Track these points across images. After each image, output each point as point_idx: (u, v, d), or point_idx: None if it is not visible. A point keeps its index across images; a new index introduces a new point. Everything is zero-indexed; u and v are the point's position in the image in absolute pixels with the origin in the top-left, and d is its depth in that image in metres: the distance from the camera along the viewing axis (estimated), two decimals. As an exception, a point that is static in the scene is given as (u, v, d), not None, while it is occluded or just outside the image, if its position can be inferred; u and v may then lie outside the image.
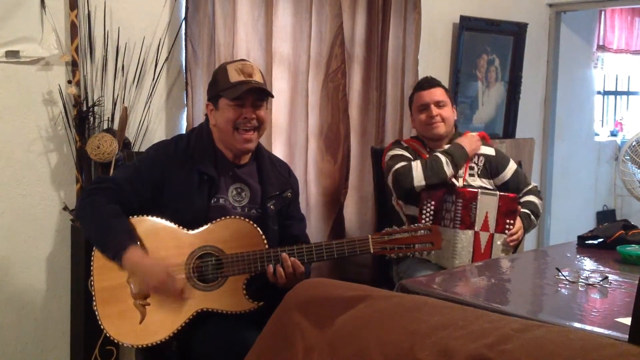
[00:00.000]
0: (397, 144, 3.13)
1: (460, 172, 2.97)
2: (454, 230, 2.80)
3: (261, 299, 2.20)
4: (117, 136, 2.70)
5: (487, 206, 2.82)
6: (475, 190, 2.84)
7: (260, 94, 2.33)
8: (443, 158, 2.87)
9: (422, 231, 2.29)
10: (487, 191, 2.89)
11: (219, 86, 2.31)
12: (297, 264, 2.21)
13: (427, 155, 2.99)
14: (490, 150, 3.10)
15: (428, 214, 2.84)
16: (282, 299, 1.63)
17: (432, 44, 4.09)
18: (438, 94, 3.04)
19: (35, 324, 2.76)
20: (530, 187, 3.12)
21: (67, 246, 2.78)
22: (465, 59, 4.25)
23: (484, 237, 2.82)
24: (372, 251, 2.27)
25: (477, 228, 2.80)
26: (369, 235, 2.28)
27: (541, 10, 4.88)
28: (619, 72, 6.22)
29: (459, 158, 2.90)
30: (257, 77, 2.32)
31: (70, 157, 2.75)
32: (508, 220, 2.84)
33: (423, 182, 2.83)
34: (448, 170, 2.86)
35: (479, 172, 3.05)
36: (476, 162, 3.05)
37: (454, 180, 2.94)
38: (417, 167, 2.86)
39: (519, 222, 2.88)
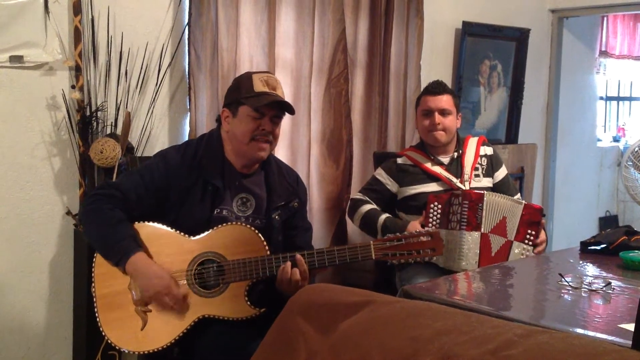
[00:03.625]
0: (387, 163, 3.12)
1: (467, 176, 2.99)
2: (460, 232, 2.80)
3: (263, 305, 2.19)
4: (120, 141, 2.70)
5: (506, 211, 2.83)
6: (481, 192, 2.85)
7: (281, 110, 2.32)
8: (380, 223, 2.95)
9: (424, 237, 2.29)
10: (503, 195, 2.89)
11: (242, 93, 2.28)
12: (306, 272, 2.20)
13: (429, 165, 3.00)
14: (489, 150, 3.15)
15: (435, 217, 2.85)
16: (284, 305, 1.63)
17: (434, 49, 4.10)
18: (444, 101, 3.02)
19: (38, 328, 2.76)
20: (517, 198, 3.10)
21: (69, 251, 2.78)
22: (467, 64, 4.26)
23: (496, 240, 2.81)
24: (373, 257, 2.26)
25: (484, 229, 2.81)
26: (371, 242, 2.28)
27: (543, 16, 4.89)
28: (621, 78, 6.23)
29: (392, 230, 2.76)
30: (280, 92, 2.31)
31: (73, 162, 2.75)
32: (529, 231, 2.83)
33: (357, 224, 3.09)
34: (379, 234, 2.94)
35: (483, 172, 3.08)
36: (480, 162, 3.08)
37: (459, 184, 2.95)
38: (362, 210, 3.05)
39: (543, 234, 2.88)
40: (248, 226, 2.25)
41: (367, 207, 3.03)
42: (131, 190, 2.24)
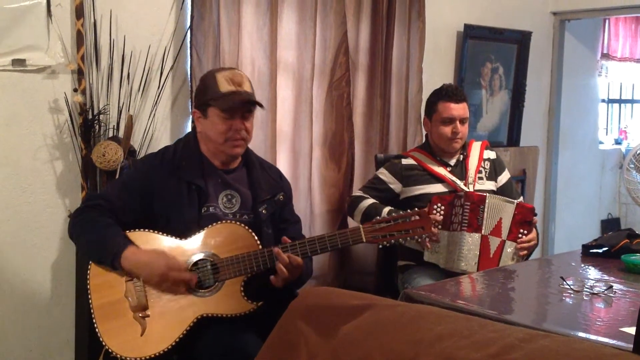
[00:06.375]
0: (391, 164, 3.12)
1: (471, 178, 2.99)
2: (460, 232, 2.81)
3: (260, 299, 2.20)
4: (122, 144, 2.71)
5: (502, 212, 2.83)
6: (484, 194, 2.85)
7: (250, 105, 2.33)
8: (384, 215, 2.89)
9: (413, 216, 2.29)
10: (499, 197, 2.90)
11: (208, 94, 2.29)
12: (292, 257, 2.22)
13: (434, 167, 3.02)
14: (492, 154, 3.16)
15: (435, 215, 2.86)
16: (281, 298, 1.63)
17: (436, 52, 4.10)
18: (464, 109, 3.03)
19: (40, 331, 2.76)
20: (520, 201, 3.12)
21: (72, 254, 2.78)
22: (469, 67, 4.26)
23: (493, 242, 2.82)
24: (364, 240, 2.26)
25: (484, 232, 2.81)
26: (361, 225, 2.29)
27: (545, 19, 4.89)
28: (623, 80, 6.22)
29: None
30: (247, 87, 2.31)
31: (75, 165, 2.76)
32: (522, 230, 2.84)
33: (357, 220, 3.00)
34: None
35: (486, 175, 3.08)
36: (484, 166, 3.09)
37: (463, 187, 2.96)
38: (364, 204, 3.00)
39: (533, 233, 2.88)
40: (238, 223, 2.26)
41: (368, 202, 3.01)
42: (116, 197, 2.27)
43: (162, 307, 2.17)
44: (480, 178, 3.05)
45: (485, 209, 2.81)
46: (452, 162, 3.07)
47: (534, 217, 2.89)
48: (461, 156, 3.08)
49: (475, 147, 3.13)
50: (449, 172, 3.03)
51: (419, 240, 2.40)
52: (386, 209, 2.92)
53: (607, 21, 5.72)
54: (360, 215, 3.01)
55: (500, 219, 2.83)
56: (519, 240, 2.83)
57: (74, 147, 2.75)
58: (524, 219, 2.85)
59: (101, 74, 2.79)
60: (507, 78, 4.54)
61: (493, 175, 3.11)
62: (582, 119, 5.61)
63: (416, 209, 2.33)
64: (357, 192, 3.15)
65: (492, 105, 4.49)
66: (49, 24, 2.65)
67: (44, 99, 2.68)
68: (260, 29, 3.14)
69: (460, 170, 3.05)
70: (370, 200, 3.02)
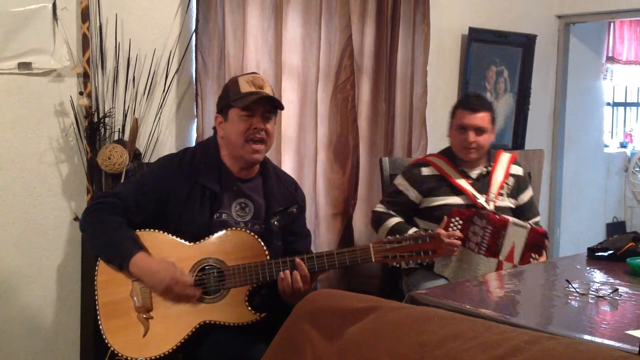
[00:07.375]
0: (410, 173, 3.04)
1: (492, 195, 2.94)
2: (478, 255, 2.78)
3: (264, 310, 2.20)
4: (128, 147, 2.72)
5: (515, 237, 2.80)
6: (507, 218, 2.81)
7: (270, 106, 2.34)
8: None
9: (424, 239, 2.27)
10: (517, 222, 2.85)
11: (230, 97, 2.31)
12: (307, 276, 2.20)
13: (455, 177, 2.96)
14: (520, 171, 3.10)
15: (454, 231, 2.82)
16: (285, 309, 1.63)
17: (441, 55, 4.10)
18: (481, 119, 2.93)
19: (45, 334, 2.77)
20: (537, 219, 3.10)
21: (77, 256, 2.79)
22: (474, 70, 4.26)
23: (506, 267, 2.78)
24: (373, 260, 2.24)
25: (502, 257, 2.79)
26: (370, 244, 2.26)
27: (550, 22, 4.89)
28: (628, 84, 6.21)
29: None
30: (268, 90, 2.32)
31: (81, 168, 2.77)
32: (533, 255, 2.82)
33: (383, 237, 2.88)
34: None
35: (508, 192, 3.02)
36: (508, 182, 3.02)
37: (484, 203, 2.91)
38: (389, 223, 2.94)
39: (544, 256, 2.86)
40: (248, 231, 2.26)
41: (393, 221, 2.95)
42: (130, 197, 2.26)
43: (166, 310, 2.18)
44: (502, 194, 2.99)
45: (507, 235, 2.78)
46: (475, 174, 2.99)
47: (545, 241, 2.87)
48: (485, 169, 3.00)
49: (503, 159, 3.05)
50: (471, 184, 2.96)
51: (429, 262, 2.37)
52: (411, 231, 2.86)
53: (612, 24, 5.71)
54: (386, 233, 2.93)
55: (514, 243, 2.80)
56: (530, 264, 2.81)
57: (80, 150, 2.75)
58: (535, 243, 2.82)
59: (107, 77, 2.80)
60: (512, 81, 4.54)
61: (515, 193, 3.04)
62: (587, 122, 5.60)
63: (431, 229, 2.28)
64: (378, 207, 3.07)
65: (497, 108, 4.48)
66: (55, 28, 2.66)
67: (49, 102, 2.70)
68: (265, 32, 3.15)
69: (483, 183, 2.98)
70: (395, 219, 2.95)
